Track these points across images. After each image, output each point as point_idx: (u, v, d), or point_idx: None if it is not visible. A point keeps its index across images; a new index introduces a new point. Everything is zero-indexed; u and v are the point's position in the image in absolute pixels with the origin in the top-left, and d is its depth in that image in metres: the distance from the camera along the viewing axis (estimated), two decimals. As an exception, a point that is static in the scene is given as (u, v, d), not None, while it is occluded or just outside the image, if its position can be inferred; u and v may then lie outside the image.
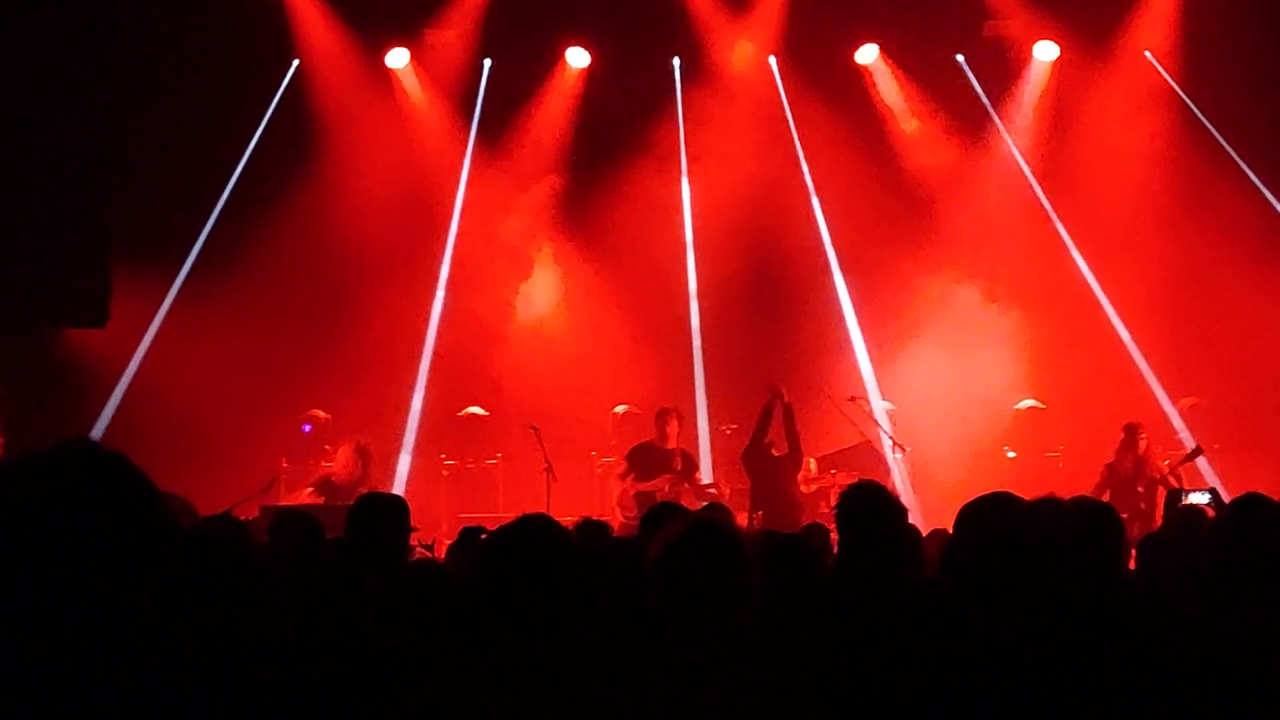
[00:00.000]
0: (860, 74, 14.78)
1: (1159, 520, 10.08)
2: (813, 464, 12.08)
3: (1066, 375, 13.78)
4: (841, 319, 14.50)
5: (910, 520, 4.75)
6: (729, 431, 13.24)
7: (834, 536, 7.02)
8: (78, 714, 1.92)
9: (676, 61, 14.83)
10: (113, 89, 12.92)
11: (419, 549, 8.80)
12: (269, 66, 14.30)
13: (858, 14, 14.38)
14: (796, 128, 14.70)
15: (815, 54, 14.54)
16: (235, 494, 9.94)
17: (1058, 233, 14.36)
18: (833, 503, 11.56)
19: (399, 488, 12.85)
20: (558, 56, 14.64)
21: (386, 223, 13.96)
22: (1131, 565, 5.31)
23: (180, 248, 13.89)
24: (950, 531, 3.86)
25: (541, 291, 14.52)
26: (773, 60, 14.80)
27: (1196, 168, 13.77)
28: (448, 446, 13.68)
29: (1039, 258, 14.23)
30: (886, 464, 12.14)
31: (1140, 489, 11.27)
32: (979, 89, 14.75)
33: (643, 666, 3.03)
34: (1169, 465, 11.51)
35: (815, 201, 14.64)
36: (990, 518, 3.55)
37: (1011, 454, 13.60)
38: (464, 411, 13.89)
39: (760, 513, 10.76)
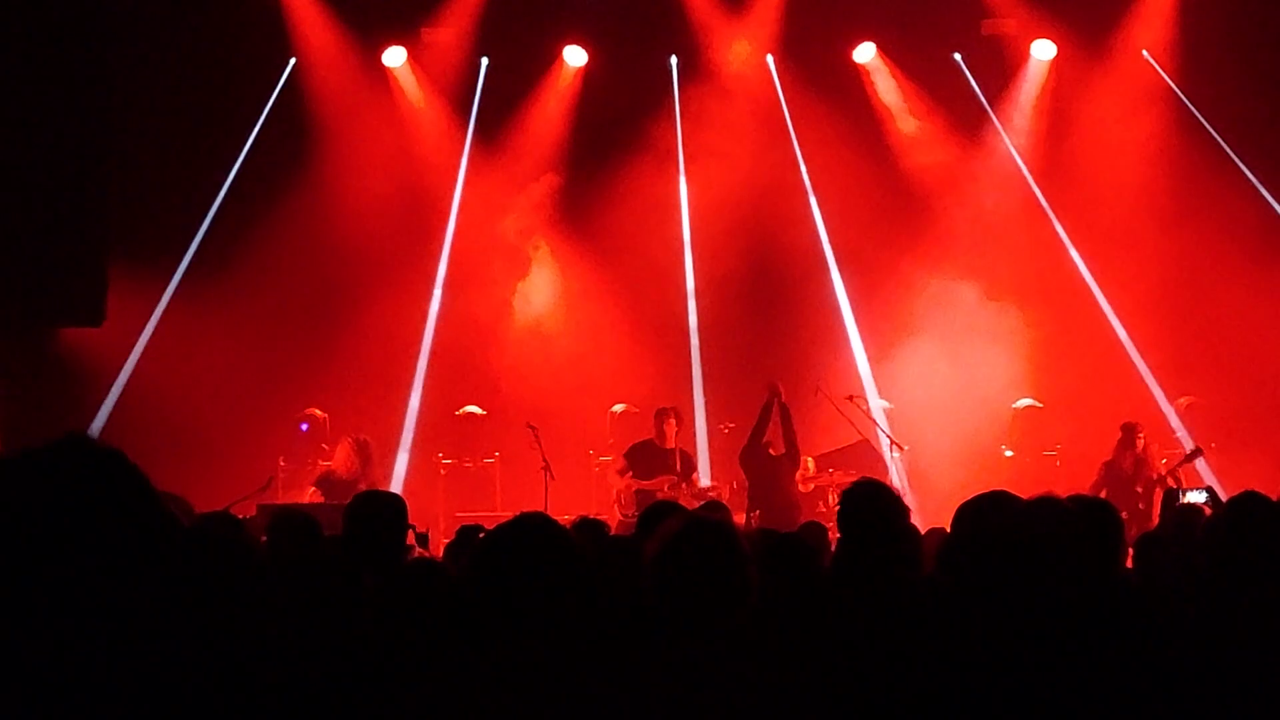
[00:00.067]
0: (858, 73, 14.78)
1: (1155, 521, 10.09)
2: (810, 463, 12.08)
3: (1064, 374, 13.79)
4: (839, 317, 14.50)
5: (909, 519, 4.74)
6: (727, 430, 13.25)
7: (832, 535, 7.03)
8: (75, 711, 1.92)
9: (674, 60, 14.83)
10: (110, 88, 12.90)
11: (411, 535, 8.84)
12: (266, 65, 14.29)
13: (855, 13, 14.38)
14: (794, 126, 14.70)
15: (813, 53, 14.55)
16: (233, 493, 9.93)
17: (1055, 232, 14.37)
18: (831, 501, 11.64)
19: (397, 487, 12.84)
20: (555, 55, 14.64)
21: (384, 222, 13.96)
22: (1129, 564, 5.31)
23: (177, 246, 13.88)
24: (948, 530, 3.86)
25: (539, 290, 14.52)
26: (770, 59, 14.79)
27: (1194, 166, 13.78)
28: (445, 445, 13.68)
29: (1036, 257, 14.24)
30: (884, 463, 12.14)
31: (1139, 489, 11.27)
32: (976, 88, 14.75)
33: (641, 665, 3.03)
34: (1167, 465, 11.52)
35: (813, 200, 14.65)
36: (988, 516, 3.55)
37: (1009, 453, 13.61)
38: (461, 410, 13.88)
39: (758, 512, 10.77)
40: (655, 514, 4.98)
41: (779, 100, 14.74)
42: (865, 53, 14.72)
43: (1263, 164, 13.95)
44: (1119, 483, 11.27)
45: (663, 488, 11.12)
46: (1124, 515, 6.26)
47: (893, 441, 12.08)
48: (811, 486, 11.92)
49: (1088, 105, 14.43)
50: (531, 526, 3.15)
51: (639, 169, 14.21)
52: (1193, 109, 14.12)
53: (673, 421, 11.58)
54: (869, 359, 14.24)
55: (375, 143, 14.22)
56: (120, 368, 13.39)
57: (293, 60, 14.38)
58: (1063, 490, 4.22)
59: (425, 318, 14.31)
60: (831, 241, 14.60)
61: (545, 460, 11.68)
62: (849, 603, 3.96)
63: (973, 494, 3.75)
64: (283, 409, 13.11)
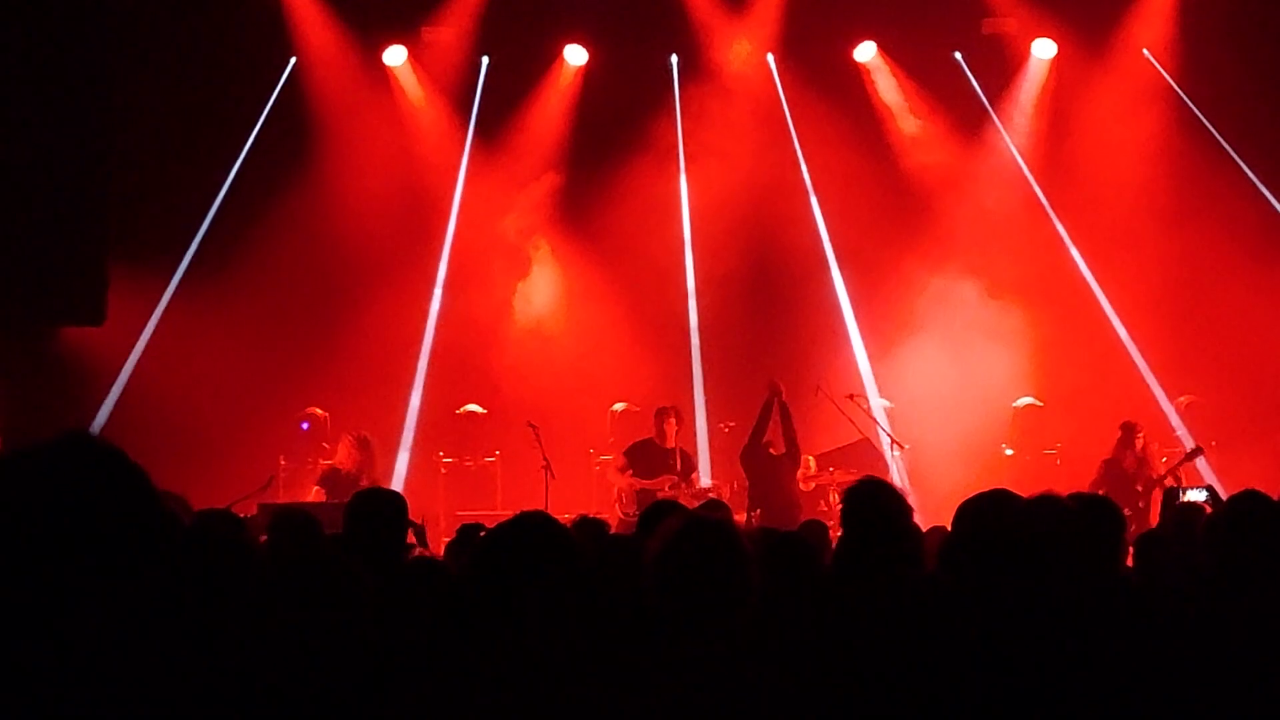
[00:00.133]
0: (858, 72, 14.78)
1: (1154, 520, 10.09)
2: (812, 462, 12.08)
3: (1064, 373, 13.79)
4: (839, 316, 14.50)
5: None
6: (727, 429, 13.25)
7: (833, 534, 7.03)
8: (75, 710, 1.92)
9: (674, 59, 14.83)
10: (110, 87, 12.90)
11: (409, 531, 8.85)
12: (266, 65, 14.28)
13: (856, 11, 14.38)
14: (795, 125, 14.70)
15: (813, 52, 14.54)
16: (233, 492, 9.93)
17: (1056, 230, 14.37)
18: (831, 500, 11.63)
19: (397, 485, 12.84)
20: (555, 54, 14.64)
21: (384, 221, 13.96)
22: (1129, 563, 5.31)
23: (177, 246, 13.88)
24: (948, 529, 3.86)
25: (539, 289, 14.52)
26: (771, 58, 14.79)
27: (1195, 165, 13.78)
28: (446, 444, 13.69)
29: (1037, 255, 14.24)
30: (885, 461, 12.14)
31: (1139, 488, 11.27)
32: (977, 87, 14.75)
33: (641, 665, 3.03)
34: (1168, 464, 11.52)
35: (813, 199, 14.65)
36: (989, 515, 3.54)
37: (1009, 451, 13.61)
38: (462, 409, 13.89)
39: (758, 511, 10.76)
40: (656, 513, 4.97)
41: (780, 99, 14.74)
42: (866, 52, 14.72)
43: (1263, 163, 13.95)
44: (1119, 481, 11.26)
45: (663, 487, 11.12)
46: (1126, 514, 6.27)
47: (893, 440, 12.08)
48: (813, 485, 11.92)
49: (1088, 104, 14.43)
50: (532, 525, 3.15)
51: (639, 168, 14.20)
52: (1193, 108, 14.12)
53: (673, 421, 11.58)
54: (869, 358, 14.24)
55: (376, 142, 14.21)
56: (121, 367, 13.40)
57: (293, 59, 14.38)
58: (1063, 489, 4.22)
59: (426, 316, 14.31)
60: (832, 240, 14.60)
61: (546, 459, 11.68)
62: (850, 601, 3.96)
63: (973, 493, 3.74)
64: (283, 408, 13.11)
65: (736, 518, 8.23)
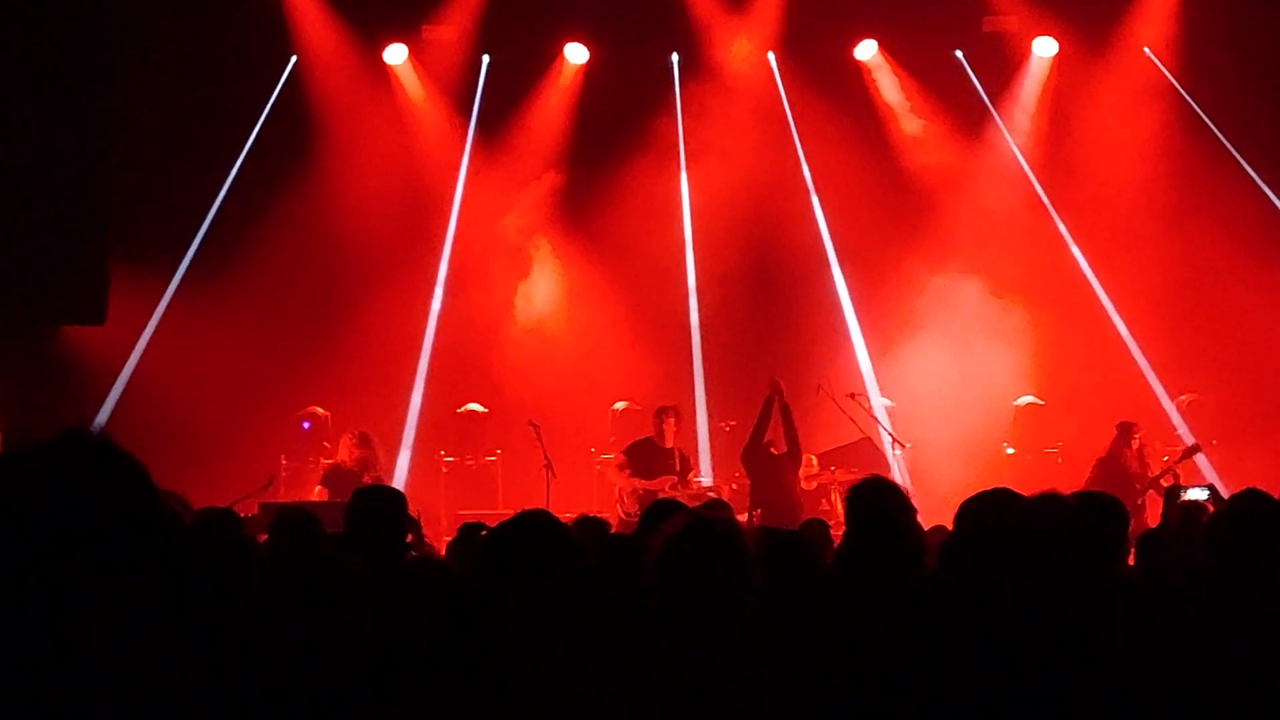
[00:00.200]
0: (859, 70, 14.78)
1: (1149, 520, 10.08)
2: (814, 461, 12.07)
3: (1066, 371, 13.79)
4: (840, 315, 14.49)
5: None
6: (728, 428, 13.24)
7: (834, 533, 7.03)
8: (73, 707, 1.92)
9: (675, 58, 14.82)
10: (111, 86, 12.90)
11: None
12: (267, 63, 14.29)
13: (856, 10, 14.38)
14: (795, 124, 14.70)
15: (814, 50, 14.54)
16: (234, 491, 9.94)
17: (1057, 229, 14.37)
18: (833, 499, 11.61)
19: (399, 484, 12.84)
20: (556, 53, 14.64)
21: (385, 219, 13.96)
22: (1130, 562, 5.31)
23: (178, 245, 13.88)
24: (949, 528, 3.86)
25: (540, 288, 14.52)
26: (771, 56, 14.78)
27: (1195, 163, 13.77)
28: (447, 443, 13.69)
29: (1038, 254, 14.24)
30: (886, 461, 12.14)
31: (1137, 486, 11.26)
32: (978, 85, 14.75)
33: (641, 663, 3.03)
34: (1168, 462, 11.51)
35: (814, 198, 14.65)
36: (990, 514, 3.54)
37: (1010, 450, 13.61)
38: (463, 408, 13.89)
39: (759, 510, 10.75)
40: (658, 513, 4.97)
41: (780, 98, 14.74)
42: (867, 50, 14.72)
43: (1264, 161, 13.95)
44: (1115, 480, 11.23)
45: (663, 487, 11.11)
46: (1126, 513, 6.25)
47: (894, 439, 12.08)
48: (814, 485, 11.92)
49: (1089, 103, 14.43)
50: (533, 524, 3.15)
51: (640, 167, 14.20)
52: (1194, 106, 14.12)
53: (672, 421, 11.58)
54: (870, 356, 14.24)
55: (376, 141, 14.22)
56: (122, 366, 13.40)
57: (294, 58, 14.38)
58: (1064, 488, 4.21)
59: (427, 315, 14.32)
60: (833, 239, 14.60)
61: (547, 458, 11.68)
62: (851, 600, 3.96)
63: (974, 492, 3.74)
64: (284, 407, 13.11)
65: (737, 517, 8.22)
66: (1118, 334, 13.99)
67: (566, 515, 5.69)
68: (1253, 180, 13.91)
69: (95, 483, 2.01)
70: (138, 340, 13.50)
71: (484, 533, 3.48)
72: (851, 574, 4.32)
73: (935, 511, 6.76)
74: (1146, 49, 14.43)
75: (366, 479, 10.44)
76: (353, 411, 12.65)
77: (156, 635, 2.04)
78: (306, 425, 13.13)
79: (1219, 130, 13.98)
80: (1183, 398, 13.48)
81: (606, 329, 14.11)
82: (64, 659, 1.93)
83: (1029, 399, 13.83)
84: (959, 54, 14.79)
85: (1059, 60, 14.58)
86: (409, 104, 14.62)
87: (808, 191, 14.64)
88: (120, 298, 12.92)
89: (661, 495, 10.68)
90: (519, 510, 3.27)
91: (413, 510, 5.48)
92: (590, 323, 14.26)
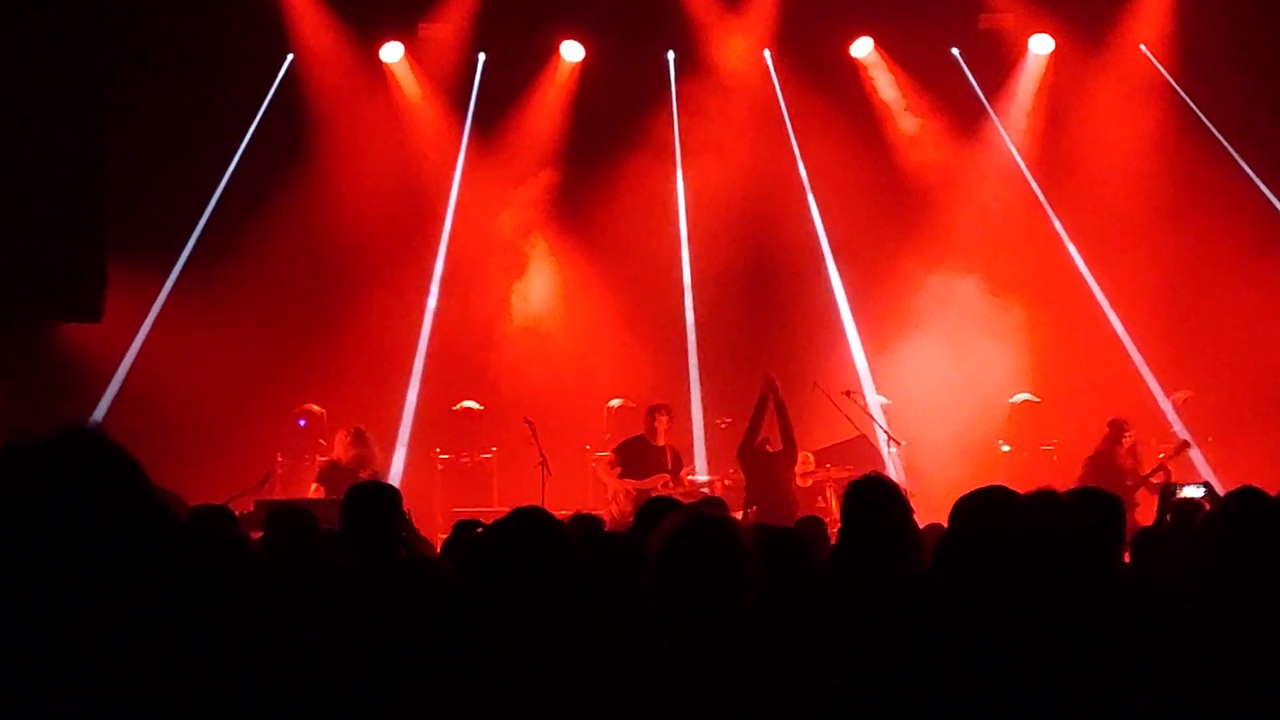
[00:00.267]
0: (855, 68, 14.77)
1: (1139, 517, 10.08)
2: (811, 458, 12.08)
3: (1061, 369, 13.81)
4: (836, 312, 14.49)
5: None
6: (724, 425, 13.24)
7: (831, 530, 7.03)
8: (70, 706, 1.92)
9: (671, 55, 14.81)
10: (108, 84, 12.89)
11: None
12: (263, 61, 14.27)
13: (852, 7, 14.38)
14: (791, 121, 14.70)
15: (810, 48, 14.54)
16: (230, 489, 9.93)
17: (1053, 226, 14.37)
18: (828, 497, 11.61)
19: (394, 481, 12.83)
20: (552, 50, 14.63)
21: (381, 217, 13.96)
22: (1126, 559, 5.31)
23: (175, 242, 13.86)
24: (945, 525, 3.86)
25: (536, 286, 14.52)
26: (767, 54, 14.78)
27: (1192, 161, 13.78)
28: (443, 441, 13.68)
29: (1034, 251, 14.25)
30: (882, 458, 12.14)
31: (1129, 483, 11.27)
32: (974, 83, 14.75)
33: (637, 661, 3.03)
34: (1161, 459, 11.53)
35: (810, 195, 14.64)
36: (986, 511, 3.54)
37: (1006, 448, 13.61)
38: (459, 406, 13.88)
39: (754, 508, 10.76)
40: (653, 510, 4.97)
41: (776, 95, 14.73)
42: (863, 47, 14.72)
43: (1260, 158, 13.96)
44: (1106, 478, 11.22)
45: (656, 486, 11.11)
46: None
47: (890, 437, 12.08)
48: (810, 482, 11.92)
49: (1085, 100, 14.43)
50: (528, 521, 3.15)
51: (636, 164, 14.20)
52: (1190, 103, 14.12)
53: (664, 418, 11.58)
54: (866, 354, 14.24)
55: (373, 139, 14.21)
56: (118, 363, 13.38)
57: (290, 56, 14.36)
58: (1060, 485, 4.22)
59: (422, 313, 14.31)
60: (829, 236, 14.60)
61: (542, 455, 11.69)
62: (846, 598, 3.96)
63: (969, 489, 3.74)
64: (281, 405, 13.10)
65: (732, 515, 8.23)
66: (1113, 331, 14.00)
67: (562, 512, 5.69)
68: (1249, 177, 13.91)
69: (92, 480, 2.01)
70: (134, 337, 13.48)
71: (479, 530, 3.48)
72: (847, 571, 4.32)
73: (931, 509, 6.77)
74: (1143, 46, 14.44)
75: (363, 475, 10.44)
76: (349, 409, 12.65)
77: (153, 633, 2.04)
78: (302, 422, 13.13)
79: (1215, 128, 13.98)
80: (1178, 395, 13.48)
81: (602, 326, 14.12)
82: (61, 657, 1.93)
83: (1025, 396, 13.84)
84: (955, 52, 14.78)
85: (1055, 58, 14.59)
86: (405, 102, 14.61)
87: (804, 189, 14.64)
88: (117, 295, 12.91)
89: (654, 494, 10.68)
90: (514, 507, 3.27)
91: (405, 508, 5.48)
92: (586, 320, 14.26)
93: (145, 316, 13.57)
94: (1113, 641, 3.40)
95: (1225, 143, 13.95)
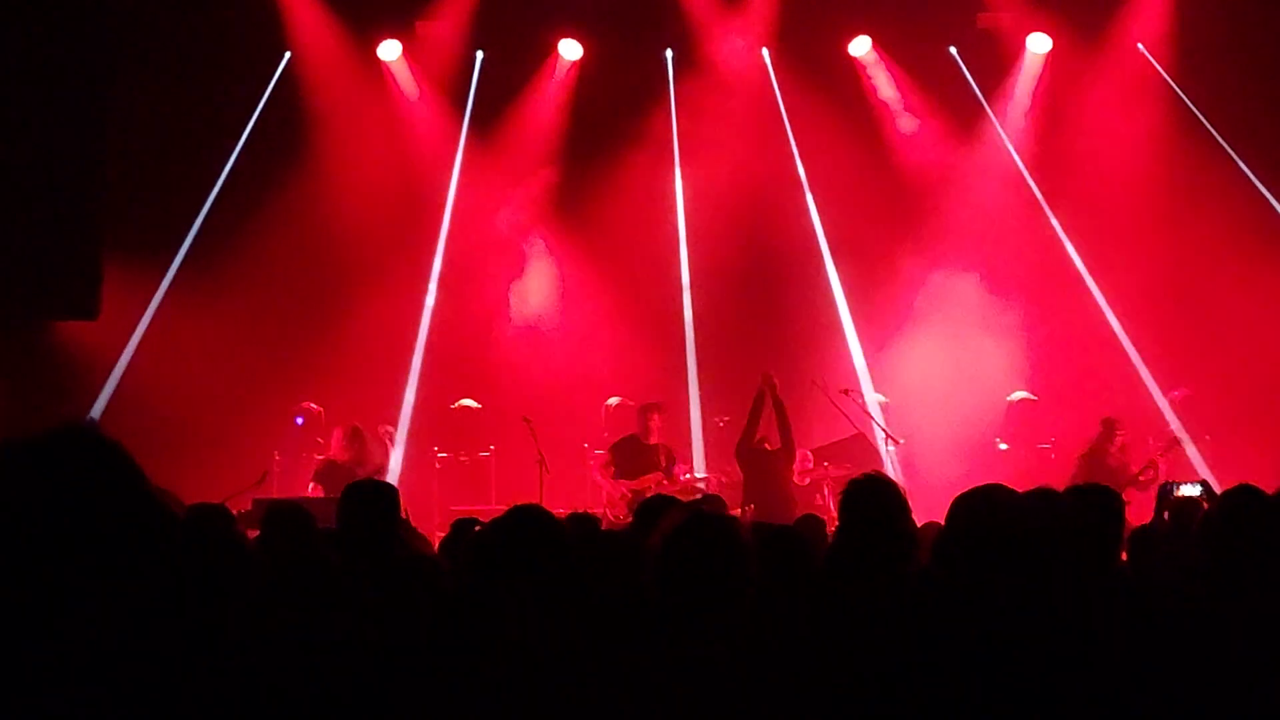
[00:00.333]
0: (853, 66, 14.77)
1: (1130, 516, 10.07)
2: (811, 456, 12.07)
3: (1058, 367, 13.81)
4: (835, 310, 14.49)
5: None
6: (722, 424, 13.24)
7: (830, 529, 7.02)
8: (66, 704, 1.92)
9: (669, 53, 14.81)
10: (105, 81, 12.87)
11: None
12: (261, 59, 14.25)
13: (850, 6, 14.39)
14: (790, 120, 14.69)
15: (808, 46, 14.54)
16: (228, 487, 9.93)
17: (1050, 225, 14.36)
18: (827, 495, 11.61)
19: (392, 480, 12.83)
20: (550, 48, 14.62)
21: (379, 215, 13.94)
22: (1123, 558, 5.31)
23: (172, 240, 13.84)
24: (943, 524, 3.86)
25: (534, 284, 14.52)
26: (765, 52, 14.78)
27: (1189, 159, 13.78)
28: (441, 439, 13.67)
29: (1031, 250, 14.25)
30: (880, 456, 12.14)
31: (1120, 481, 11.28)
32: (972, 81, 14.75)
33: (634, 659, 3.03)
34: (1154, 457, 11.54)
35: (808, 193, 14.64)
36: (983, 510, 3.54)
37: (1004, 446, 13.62)
38: (457, 404, 13.87)
39: (751, 506, 10.76)
40: (652, 509, 4.97)
41: (774, 94, 14.73)
42: (861, 46, 14.71)
43: (1258, 157, 13.95)
44: (1097, 477, 11.22)
45: (650, 486, 11.11)
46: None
47: (888, 435, 12.09)
48: (808, 480, 11.92)
49: (1083, 98, 14.43)
50: (526, 519, 3.15)
51: (634, 162, 14.20)
52: (1188, 102, 14.12)
53: (657, 417, 11.60)
54: (864, 352, 14.24)
55: (370, 137, 14.19)
56: (115, 361, 13.36)
57: (288, 54, 14.34)
58: (1057, 483, 4.22)
59: (421, 311, 14.30)
60: (827, 234, 14.59)
61: (540, 453, 11.69)
62: (844, 595, 3.96)
63: (967, 487, 3.74)
64: (278, 403, 13.09)
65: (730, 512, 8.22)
66: (1111, 329, 14.00)
67: (559, 511, 5.69)
68: (1246, 176, 13.91)
69: (88, 479, 2.00)
70: (131, 335, 13.46)
71: (477, 528, 3.48)
72: (845, 570, 4.32)
73: (928, 507, 6.77)
74: (1140, 45, 14.44)
75: (360, 474, 10.44)
76: (346, 407, 12.64)
77: (150, 633, 2.03)
78: (300, 421, 13.12)
79: (1213, 126, 13.98)
80: (1175, 393, 13.49)
81: (600, 325, 14.12)
82: (57, 656, 1.92)
83: (1022, 394, 13.84)
84: (953, 50, 14.78)
85: (1053, 56, 14.59)
86: (403, 100, 14.60)
87: (802, 188, 14.63)
88: (114, 292, 12.90)
89: (648, 494, 10.68)
90: (512, 506, 3.27)
91: (411, 513, 5.49)
92: (584, 318, 14.27)
93: (142, 314, 13.55)
94: (1111, 640, 3.40)
95: (1222, 141, 13.94)
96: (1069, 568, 3.54)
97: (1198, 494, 8.47)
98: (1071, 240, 14.30)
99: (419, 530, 7.11)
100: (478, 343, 14.06)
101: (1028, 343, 13.88)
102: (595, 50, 14.52)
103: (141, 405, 12.65)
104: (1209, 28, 13.87)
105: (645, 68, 14.69)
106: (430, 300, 14.33)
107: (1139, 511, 8.93)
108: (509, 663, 2.89)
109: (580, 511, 6.22)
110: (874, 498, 4.43)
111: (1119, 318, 14.00)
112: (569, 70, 14.64)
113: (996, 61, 14.72)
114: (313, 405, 13.19)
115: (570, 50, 14.59)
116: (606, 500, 11.48)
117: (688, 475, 12.30)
